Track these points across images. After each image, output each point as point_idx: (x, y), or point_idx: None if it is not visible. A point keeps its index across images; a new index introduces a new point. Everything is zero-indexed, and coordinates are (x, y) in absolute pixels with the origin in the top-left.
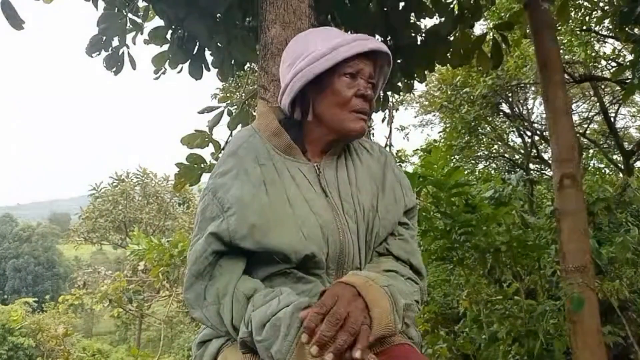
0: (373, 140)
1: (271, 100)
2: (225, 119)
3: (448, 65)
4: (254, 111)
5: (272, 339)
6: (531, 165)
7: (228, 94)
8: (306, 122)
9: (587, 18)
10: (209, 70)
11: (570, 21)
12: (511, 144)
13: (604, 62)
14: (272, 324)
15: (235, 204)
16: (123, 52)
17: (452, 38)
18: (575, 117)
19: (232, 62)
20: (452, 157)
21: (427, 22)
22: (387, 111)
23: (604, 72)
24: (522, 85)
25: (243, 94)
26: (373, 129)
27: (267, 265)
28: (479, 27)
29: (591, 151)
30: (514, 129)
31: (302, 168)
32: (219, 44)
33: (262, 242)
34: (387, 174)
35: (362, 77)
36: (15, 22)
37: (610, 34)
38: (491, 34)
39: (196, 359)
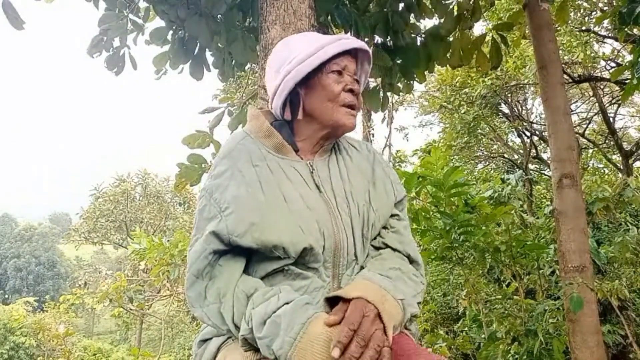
0: (363, 140)
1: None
2: (226, 119)
3: (447, 65)
4: None
5: (273, 336)
6: (530, 165)
7: (229, 95)
8: (297, 121)
9: (586, 19)
10: (209, 70)
11: (570, 22)
12: (510, 144)
13: (603, 63)
14: (272, 320)
15: (232, 204)
16: (124, 53)
17: (451, 39)
18: (574, 118)
19: (233, 62)
20: (452, 158)
21: (427, 23)
22: (386, 112)
23: (603, 73)
24: (521, 85)
25: (243, 95)
26: (373, 129)
27: (265, 263)
28: (479, 28)
29: (590, 151)
30: (513, 129)
31: (296, 165)
32: (219, 44)
33: (261, 239)
34: (376, 169)
35: (347, 73)
36: (16, 22)
37: (609, 35)
38: (490, 34)
39: (196, 358)
